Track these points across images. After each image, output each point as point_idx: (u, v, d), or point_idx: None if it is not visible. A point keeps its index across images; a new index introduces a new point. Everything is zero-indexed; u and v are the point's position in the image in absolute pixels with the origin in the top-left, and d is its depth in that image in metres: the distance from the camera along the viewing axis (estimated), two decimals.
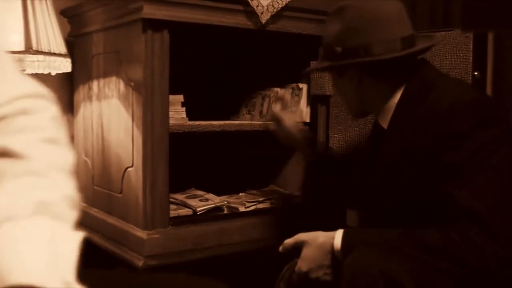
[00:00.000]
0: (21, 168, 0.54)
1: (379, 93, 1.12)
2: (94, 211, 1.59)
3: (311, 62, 1.62)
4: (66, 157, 0.58)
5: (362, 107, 1.18)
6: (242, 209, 1.61)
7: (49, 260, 0.47)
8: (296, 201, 1.73)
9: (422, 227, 0.99)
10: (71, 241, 0.50)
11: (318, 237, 1.08)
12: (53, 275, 0.47)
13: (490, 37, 1.35)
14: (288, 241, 1.13)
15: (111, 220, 1.50)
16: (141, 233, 1.35)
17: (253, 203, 1.65)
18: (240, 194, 1.76)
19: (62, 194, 0.54)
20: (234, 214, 1.58)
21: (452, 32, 1.34)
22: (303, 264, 1.09)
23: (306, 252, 1.09)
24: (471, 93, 1.05)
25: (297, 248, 1.12)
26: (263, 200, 1.68)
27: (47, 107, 0.60)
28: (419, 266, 0.94)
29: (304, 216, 1.60)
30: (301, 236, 1.11)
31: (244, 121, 1.69)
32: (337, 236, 1.05)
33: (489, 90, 1.35)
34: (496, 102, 1.22)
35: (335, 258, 1.06)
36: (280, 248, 1.15)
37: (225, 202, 1.61)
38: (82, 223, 1.64)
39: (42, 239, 0.49)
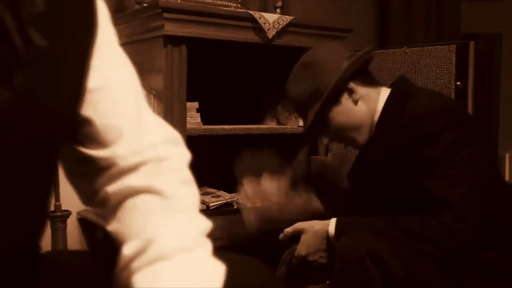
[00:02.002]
0: (169, 205, 0.60)
1: (370, 101, 1.28)
2: None
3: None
4: (197, 196, 0.65)
5: (363, 126, 1.28)
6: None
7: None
8: None
9: (405, 215, 1.15)
10: (221, 274, 0.59)
11: (315, 225, 1.25)
12: None
13: (471, 50, 1.51)
14: (288, 229, 1.29)
15: None
16: None
17: None
18: None
19: (204, 227, 0.62)
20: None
21: (437, 46, 1.51)
22: (302, 248, 1.26)
23: (304, 238, 1.25)
24: (441, 100, 1.22)
25: (296, 235, 1.29)
26: None
27: (182, 151, 0.66)
28: (401, 247, 1.09)
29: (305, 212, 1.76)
30: (300, 225, 1.27)
31: (252, 125, 1.84)
32: (331, 224, 1.22)
33: (470, 98, 1.51)
34: (462, 107, 1.38)
35: (330, 243, 1.23)
36: (280, 236, 1.31)
37: (235, 199, 1.76)
38: None
39: (210, 270, 0.58)
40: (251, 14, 1.62)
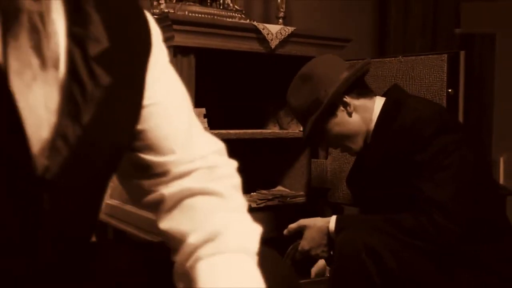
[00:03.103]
0: (227, 205, 0.64)
1: (364, 111, 1.36)
2: (129, 207, 1.85)
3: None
4: (244, 200, 0.69)
5: (358, 135, 1.36)
6: (254, 205, 1.85)
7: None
8: (300, 200, 1.98)
9: (399, 213, 1.24)
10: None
11: (317, 221, 1.34)
12: None
13: (462, 59, 1.60)
14: (292, 225, 1.38)
15: (146, 214, 1.76)
16: None
17: (263, 201, 1.89)
18: (252, 193, 1.98)
19: (260, 232, 0.66)
20: (247, 209, 1.84)
21: (430, 56, 1.61)
22: (305, 243, 1.35)
23: (307, 234, 1.34)
24: (432, 107, 1.31)
25: (299, 231, 1.38)
26: (272, 198, 1.92)
27: (228, 160, 0.70)
28: (395, 241, 1.18)
29: (306, 212, 1.85)
30: (303, 221, 1.37)
31: (256, 130, 1.92)
32: (332, 220, 1.31)
33: (461, 105, 1.60)
34: (452, 113, 1.47)
35: (331, 238, 1.32)
36: (285, 231, 1.40)
37: None
38: (119, 217, 1.89)
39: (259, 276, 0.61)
40: (255, 26, 1.71)
